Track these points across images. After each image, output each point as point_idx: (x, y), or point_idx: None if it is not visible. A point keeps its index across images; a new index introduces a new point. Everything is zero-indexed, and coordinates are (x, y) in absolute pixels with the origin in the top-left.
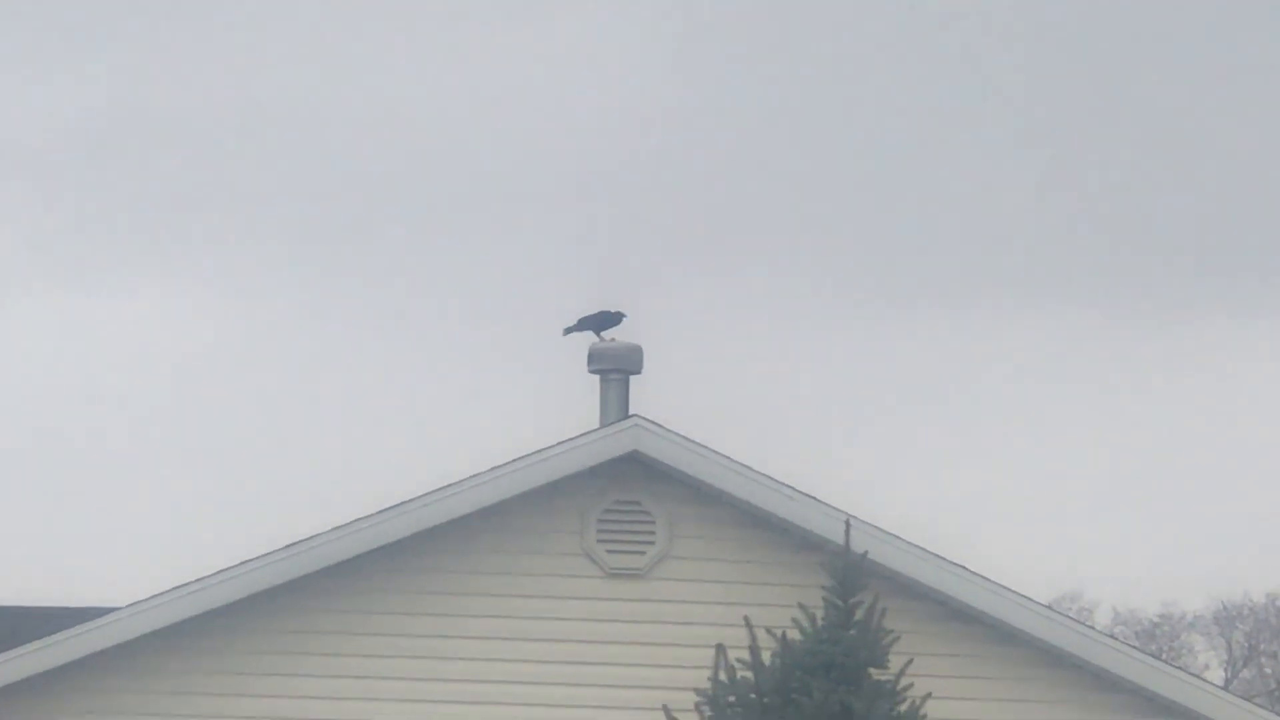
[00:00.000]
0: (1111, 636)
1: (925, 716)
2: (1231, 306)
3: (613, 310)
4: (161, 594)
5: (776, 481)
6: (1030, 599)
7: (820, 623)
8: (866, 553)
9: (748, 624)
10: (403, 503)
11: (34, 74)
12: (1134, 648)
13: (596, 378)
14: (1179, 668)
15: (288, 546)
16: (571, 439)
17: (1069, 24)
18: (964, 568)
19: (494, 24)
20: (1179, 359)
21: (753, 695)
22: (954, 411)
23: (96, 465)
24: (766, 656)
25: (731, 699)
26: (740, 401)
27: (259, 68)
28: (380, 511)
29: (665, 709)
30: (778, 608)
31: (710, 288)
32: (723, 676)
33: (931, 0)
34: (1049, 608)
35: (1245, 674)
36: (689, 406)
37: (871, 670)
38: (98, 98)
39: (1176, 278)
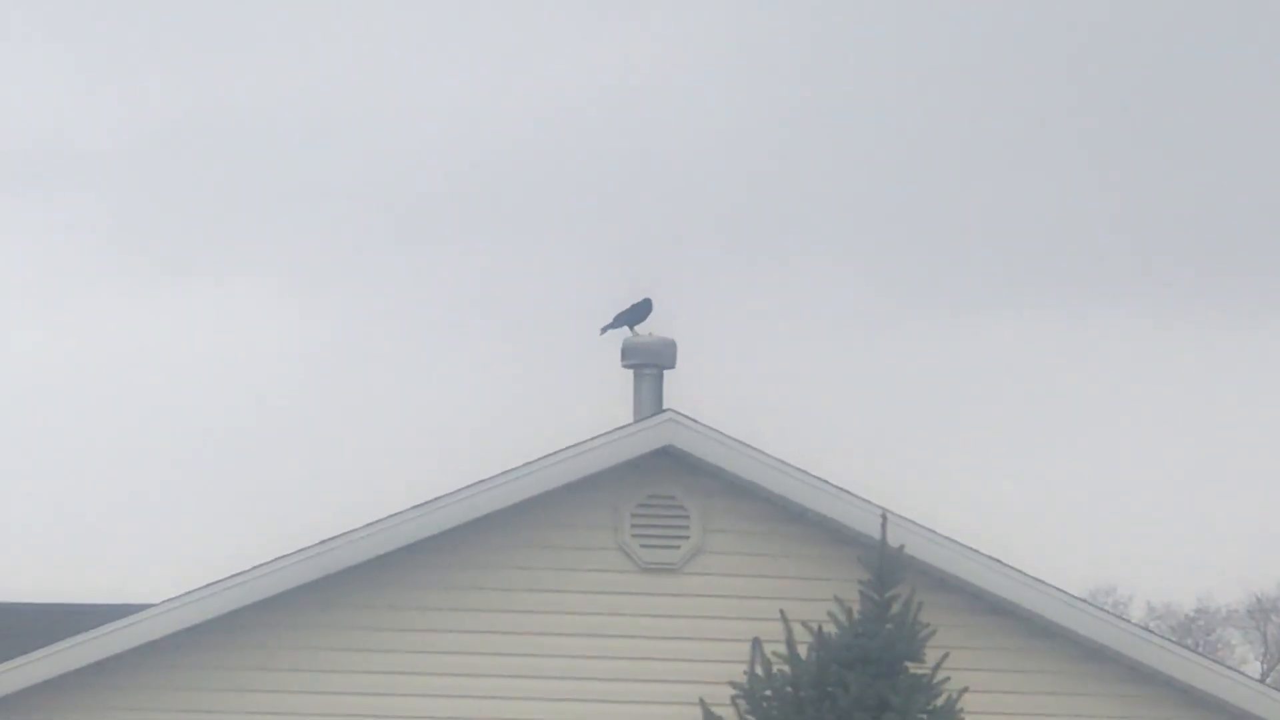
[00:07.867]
0: (1147, 630)
1: (962, 710)
2: (1266, 304)
3: (642, 298)
4: (197, 590)
5: (811, 475)
6: (1066, 592)
7: (856, 616)
8: (903, 546)
9: (783, 618)
10: (438, 498)
11: (97, 78)
12: (1170, 640)
13: (630, 372)
14: (1215, 660)
15: (322, 543)
16: (605, 434)
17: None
18: (1000, 561)
19: (537, 22)
20: (1215, 353)
21: (789, 689)
22: (988, 408)
23: (119, 464)
24: (803, 650)
25: (768, 692)
26: (775, 396)
27: (314, 74)
28: (415, 507)
29: (702, 703)
30: (813, 602)
31: (745, 282)
32: (759, 670)
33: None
34: (1085, 601)
35: None
36: (723, 401)
37: (908, 664)
38: (165, 100)
39: (1215, 276)
